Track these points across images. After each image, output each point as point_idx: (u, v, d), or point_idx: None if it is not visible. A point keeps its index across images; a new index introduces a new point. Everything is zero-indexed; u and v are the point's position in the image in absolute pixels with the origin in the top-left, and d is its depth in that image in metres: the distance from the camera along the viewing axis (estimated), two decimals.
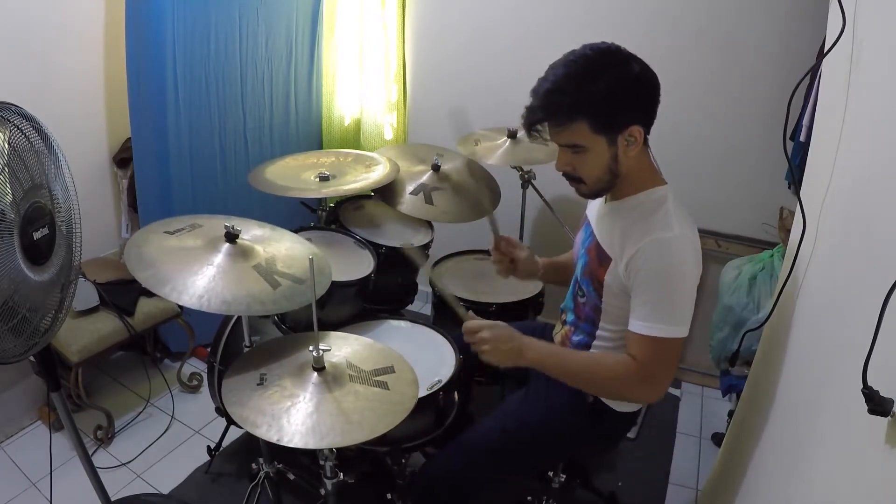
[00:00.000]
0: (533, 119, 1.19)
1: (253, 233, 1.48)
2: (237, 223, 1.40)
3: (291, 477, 1.72)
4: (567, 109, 1.15)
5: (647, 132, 1.20)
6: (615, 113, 1.15)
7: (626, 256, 1.21)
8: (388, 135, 2.86)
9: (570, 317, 1.45)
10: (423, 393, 1.39)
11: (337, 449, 1.29)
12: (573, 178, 1.25)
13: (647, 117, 1.19)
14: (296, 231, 1.89)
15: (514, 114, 2.45)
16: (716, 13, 2.20)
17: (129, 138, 2.29)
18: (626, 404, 1.39)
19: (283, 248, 1.47)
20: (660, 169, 1.31)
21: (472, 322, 1.30)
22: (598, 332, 1.36)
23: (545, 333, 1.58)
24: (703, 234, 2.44)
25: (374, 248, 1.87)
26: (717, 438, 2.23)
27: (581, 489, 1.86)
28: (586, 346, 1.39)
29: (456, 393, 1.57)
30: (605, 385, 1.28)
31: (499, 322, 1.29)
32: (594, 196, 1.31)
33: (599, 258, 1.29)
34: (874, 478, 0.72)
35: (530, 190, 2.31)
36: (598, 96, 1.13)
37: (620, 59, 1.16)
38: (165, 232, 1.39)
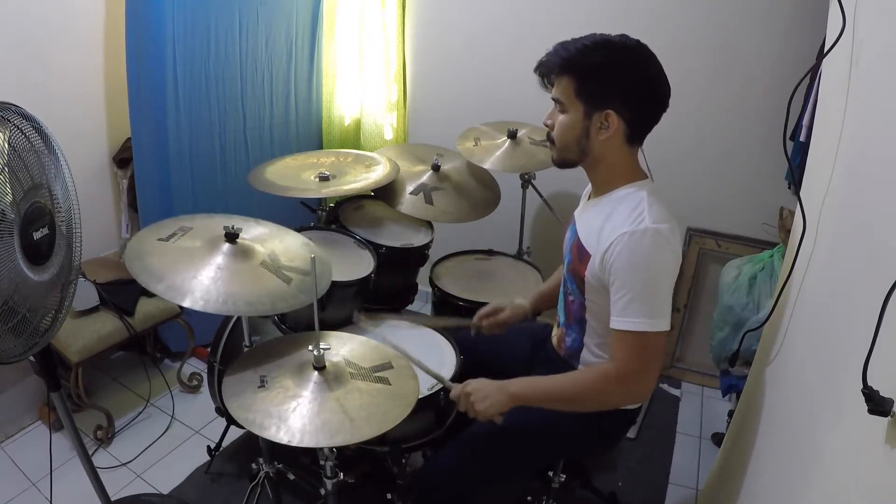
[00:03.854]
0: (540, 61, 1.26)
1: (246, 228, 1.46)
2: (217, 220, 1.40)
3: (291, 477, 1.72)
4: (563, 62, 1.21)
5: (630, 132, 1.22)
6: (601, 86, 1.19)
7: (600, 251, 1.22)
8: (388, 135, 2.86)
9: (562, 318, 1.46)
10: (424, 393, 1.39)
11: (337, 449, 1.29)
12: (550, 139, 1.30)
13: (631, 113, 1.20)
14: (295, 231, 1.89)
15: (515, 113, 2.46)
16: (715, 13, 2.20)
17: (129, 138, 2.28)
18: None
19: (276, 241, 1.47)
20: (651, 175, 1.31)
21: (455, 389, 1.30)
22: (588, 330, 1.36)
23: (545, 334, 1.58)
24: (703, 234, 2.45)
25: (374, 248, 1.87)
26: (717, 438, 2.23)
27: (581, 489, 1.85)
28: (578, 348, 1.39)
29: None
30: (590, 398, 1.25)
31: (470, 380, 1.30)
32: (561, 164, 1.32)
33: (580, 255, 1.30)
34: (874, 478, 0.72)
35: (530, 190, 2.32)
36: (593, 64, 1.19)
37: (639, 53, 1.20)
38: (159, 239, 1.36)
